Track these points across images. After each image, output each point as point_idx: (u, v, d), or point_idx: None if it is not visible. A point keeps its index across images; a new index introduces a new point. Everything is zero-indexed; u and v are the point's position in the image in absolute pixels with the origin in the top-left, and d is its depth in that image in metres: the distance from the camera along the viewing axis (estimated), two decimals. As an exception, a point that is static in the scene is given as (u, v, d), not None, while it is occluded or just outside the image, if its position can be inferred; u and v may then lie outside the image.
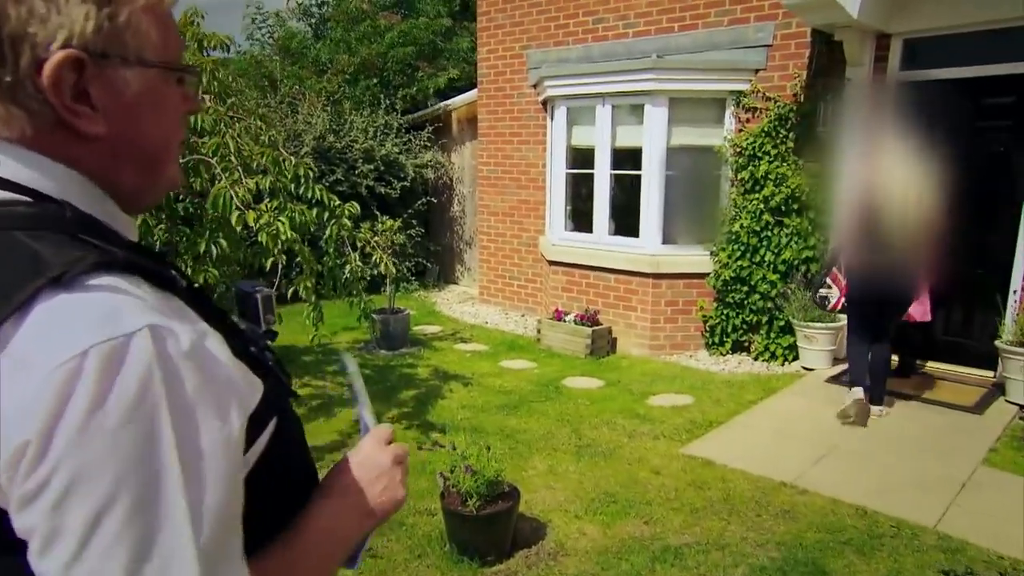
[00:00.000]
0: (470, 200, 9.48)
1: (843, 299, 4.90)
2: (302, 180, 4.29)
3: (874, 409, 4.77)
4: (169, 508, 0.54)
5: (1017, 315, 4.98)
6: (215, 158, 3.53)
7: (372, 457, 0.84)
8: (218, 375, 0.61)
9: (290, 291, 3.89)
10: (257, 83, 9.14)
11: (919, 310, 5.21)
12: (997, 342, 5.08)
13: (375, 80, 10.05)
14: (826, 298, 5.01)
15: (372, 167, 8.57)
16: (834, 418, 4.68)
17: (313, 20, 12.71)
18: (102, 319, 0.55)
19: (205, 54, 4.36)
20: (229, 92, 4.54)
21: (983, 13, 5.07)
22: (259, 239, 3.49)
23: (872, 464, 4.04)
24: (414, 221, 8.95)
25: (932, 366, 5.62)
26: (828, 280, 5.00)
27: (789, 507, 3.56)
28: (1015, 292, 5.14)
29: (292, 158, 4.26)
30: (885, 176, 5.00)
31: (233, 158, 3.58)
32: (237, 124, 4.31)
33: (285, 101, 9.08)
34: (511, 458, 4.05)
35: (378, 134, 8.86)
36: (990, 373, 5.40)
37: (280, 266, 3.58)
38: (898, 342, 5.35)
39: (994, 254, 5.29)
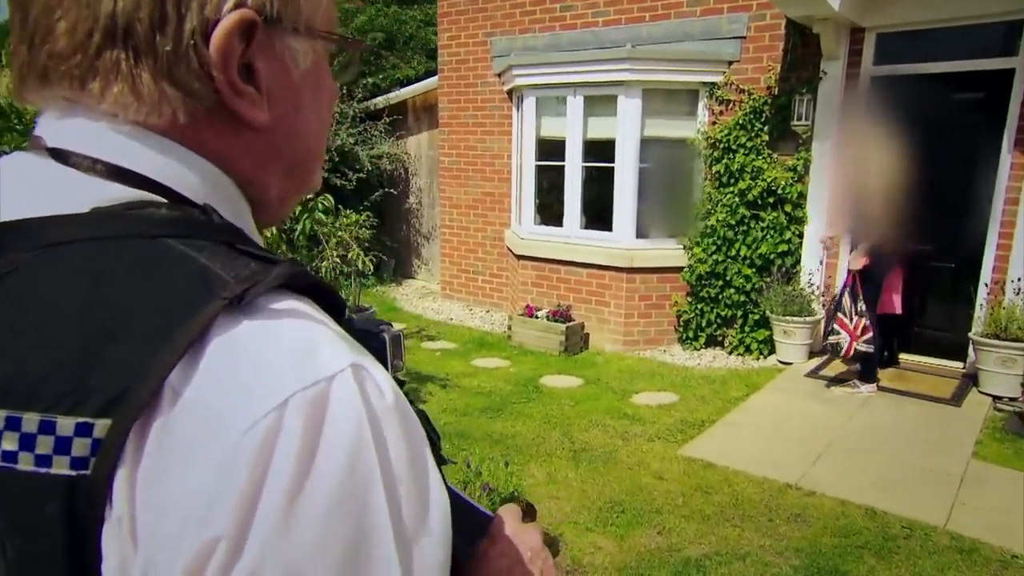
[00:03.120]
0: (427, 192, 9.16)
1: (854, 344, 4.89)
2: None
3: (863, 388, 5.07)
4: None
5: (990, 307, 5.08)
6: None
7: (522, 539, 0.67)
8: (416, 426, 0.46)
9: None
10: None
11: (896, 302, 5.27)
12: (971, 334, 5.17)
13: (334, 66, 9.56)
14: (837, 345, 4.99)
15: (326, 158, 8.12)
16: (824, 414, 4.66)
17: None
18: (298, 356, 0.41)
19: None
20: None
21: (953, 9, 5.13)
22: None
23: (869, 461, 4.01)
24: (369, 214, 8.56)
25: (905, 358, 5.70)
26: (836, 326, 4.99)
27: (799, 510, 3.47)
28: (986, 285, 5.24)
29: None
30: (864, 170, 5.02)
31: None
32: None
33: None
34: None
35: (332, 122, 8.42)
36: (960, 364, 5.51)
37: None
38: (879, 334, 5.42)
39: (967, 247, 5.39)
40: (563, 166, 6.69)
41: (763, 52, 6.03)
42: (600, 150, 6.54)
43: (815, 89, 5.67)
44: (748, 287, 6.00)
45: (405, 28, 10.54)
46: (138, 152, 0.47)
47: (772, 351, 6.01)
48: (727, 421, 4.61)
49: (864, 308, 4.88)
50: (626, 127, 6.29)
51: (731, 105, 6.18)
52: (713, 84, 6.24)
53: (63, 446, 0.39)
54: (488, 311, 7.88)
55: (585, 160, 6.62)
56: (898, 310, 5.33)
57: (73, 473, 0.39)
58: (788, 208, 5.86)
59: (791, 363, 5.79)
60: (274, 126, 0.51)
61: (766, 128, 5.95)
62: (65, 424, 0.39)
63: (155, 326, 0.40)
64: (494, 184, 7.82)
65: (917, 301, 5.50)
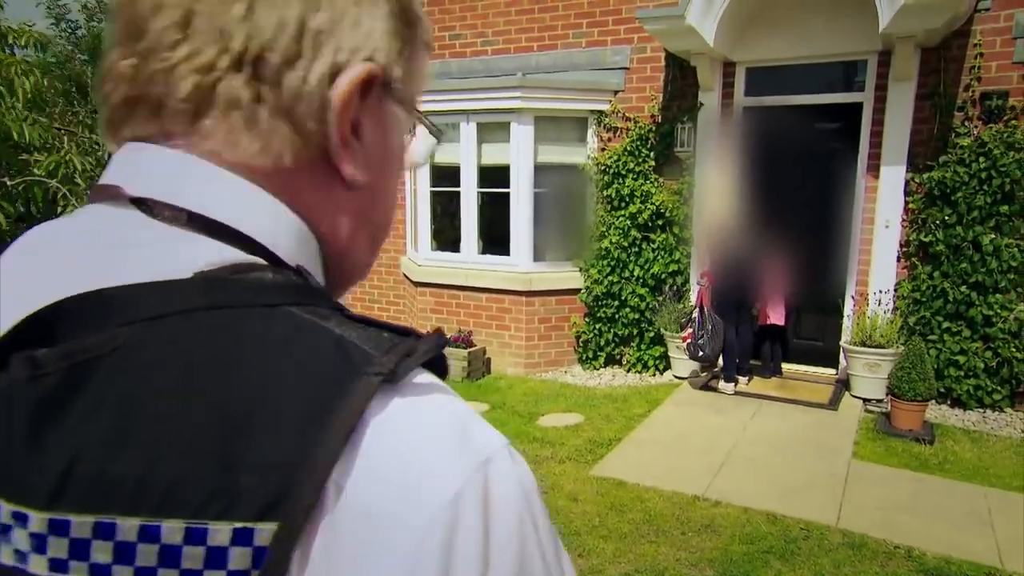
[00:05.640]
0: (318, 219, 8.89)
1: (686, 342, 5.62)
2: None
3: (741, 380, 5.68)
4: None
5: (856, 317, 5.57)
6: (56, 179, 2.87)
7: None
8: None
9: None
10: (63, 88, 7.86)
11: (776, 313, 5.68)
12: (841, 342, 5.64)
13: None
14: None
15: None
16: (722, 425, 4.92)
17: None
18: (457, 440, 0.38)
19: (10, 52, 3.60)
20: (45, 99, 3.80)
21: (806, 48, 5.65)
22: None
23: (765, 468, 4.25)
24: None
25: (786, 367, 6.11)
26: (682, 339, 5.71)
27: (708, 521, 3.61)
28: (852, 297, 5.75)
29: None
30: (734, 194, 5.40)
31: (79, 179, 2.94)
32: (67, 138, 3.60)
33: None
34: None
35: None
36: (833, 371, 5.99)
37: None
38: (759, 346, 5.81)
39: (835, 263, 5.88)
40: (459, 192, 6.71)
41: (646, 82, 6.36)
42: (495, 176, 6.61)
43: (695, 118, 6.04)
44: (642, 306, 6.24)
45: None
46: (238, 205, 0.42)
47: (668, 367, 6.26)
48: (633, 438, 4.75)
49: (699, 317, 5.46)
50: (520, 153, 6.40)
51: (619, 132, 6.46)
52: (601, 112, 6.50)
53: (218, 559, 0.32)
54: (386, 340, 7.70)
55: (481, 186, 6.67)
56: (780, 322, 5.74)
57: None
58: (676, 230, 6.17)
59: (685, 377, 6.06)
60: (366, 187, 0.48)
61: (652, 154, 6.26)
62: (219, 531, 0.32)
63: (306, 412, 0.34)
64: (388, 211, 7.70)
65: (793, 314, 5.94)
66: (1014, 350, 5.04)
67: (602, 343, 6.44)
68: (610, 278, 6.28)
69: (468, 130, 6.57)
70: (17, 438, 0.35)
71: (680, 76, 6.15)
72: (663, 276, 6.21)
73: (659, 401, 5.49)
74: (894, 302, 5.50)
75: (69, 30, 9.97)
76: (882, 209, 5.49)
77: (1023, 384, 5.12)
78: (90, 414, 0.34)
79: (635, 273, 6.23)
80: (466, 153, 6.61)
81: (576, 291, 6.55)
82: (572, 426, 5.04)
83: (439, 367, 0.42)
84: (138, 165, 0.43)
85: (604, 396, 5.75)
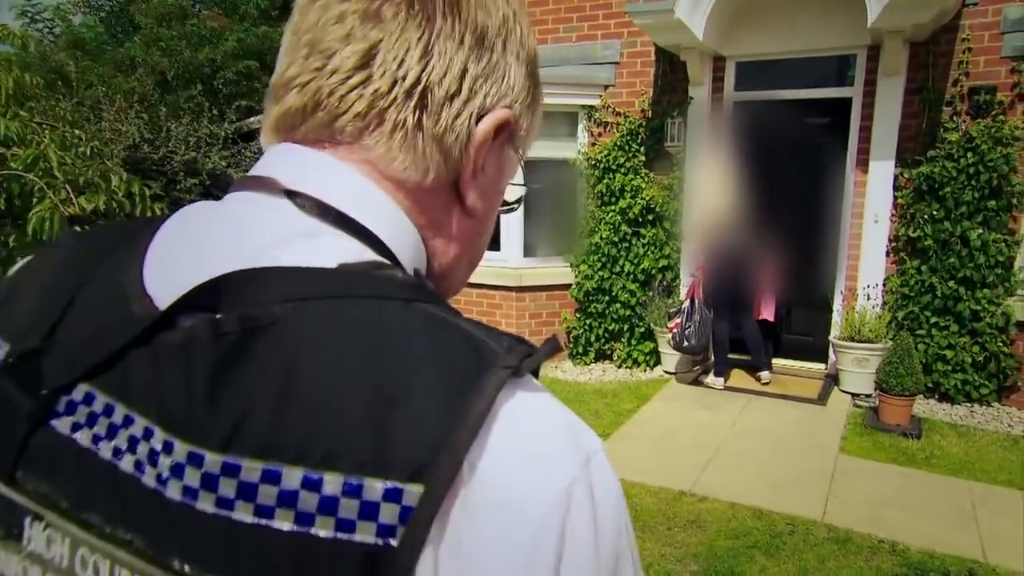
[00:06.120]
0: (309, 215, 8.86)
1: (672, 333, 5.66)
2: (137, 199, 3.67)
3: (762, 376, 5.65)
4: None
5: (845, 312, 5.57)
6: (32, 173, 2.84)
7: None
8: None
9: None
10: (47, 82, 7.80)
11: (767, 309, 5.68)
12: (830, 337, 5.65)
13: (199, 86, 9.03)
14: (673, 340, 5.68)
15: (196, 181, 7.66)
16: (710, 421, 4.92)
17: (103, 14, 11.19)
18: (570, 435, 0.43)
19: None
20: (27, 95, 3.76)
21: (795, 43, 5.64)
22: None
23: (753, 463, 4.26)
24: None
25: (777, 363, 6.12)
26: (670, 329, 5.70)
27: (694, 516, 3.62)
28: (841, 293, 5.75)
29: (124, 173, 3.61)
30: (724, 189, 5.39)
31: (57, 173, 2.91)
32: (48, 132, 3.56)
33: (86, 104, 7.85)
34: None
35: (201, 144, 7.96)
36: (823, 366, 6.00)
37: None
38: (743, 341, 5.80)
39: (824, 258, 5.89)
40: (449, 187, 6.69)
41: (636, 77, 6.34)
42: (485, 171, 6.58)
43: (685, 112, 6.02)
44: (633, 301, 6.24)
45: (277, 46, 10.21)
46: (376, 213, 0.49)
47: (658, 362, 6.26)
48: (621, 434, 4.75)
49: (688, 308, 5.48)
50: (510, 148, 6.38)
51: (609, 127, 6.44)
52: (591, 107, 6.48)
53: (370, 512, 0.36)
54: (377, 336, 7.69)
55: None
56: (771, 317, 5.74)
57: (379, 542, 0.36)
58: (667, 225, 6.16)
59: (675, 373, 6.06)
60: (477, 216, 0.56)
61: (642, 149, 6.24)
62: (373, 487, 0.37)
63: (446, 394, 0.39)
64: (379, 206, 7.69)
65: (784, 309, 5.95)
66: (1001, 345, 5.06)
67: (592, 339, 6.43)
68: (600, 273, 6.27)
69: (458, 125, 6.54)
70: (198, 388, 0.39)
71: (670, 71, 6.14)
72: (653, 271, 6.21)
73: (648, 397, 5.49)
74: (883, 297, 5.51)
75: (46, 28, 9.91)
76: (871, 204, 5.49)
77: (1010, 379, 5.13)
78: (258, 375, 0.39)
79: (625, 268, 6.22)
80: (456, 148, 6.58)
81: (567, 286, 6.54)
82: (561, 422, 5.03)
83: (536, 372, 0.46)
84: (301, 164, 0.50)
85: (594, 392, 5.74)
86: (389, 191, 0.50)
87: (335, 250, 0.46)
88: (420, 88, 0.49)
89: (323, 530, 0.36)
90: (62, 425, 0.43)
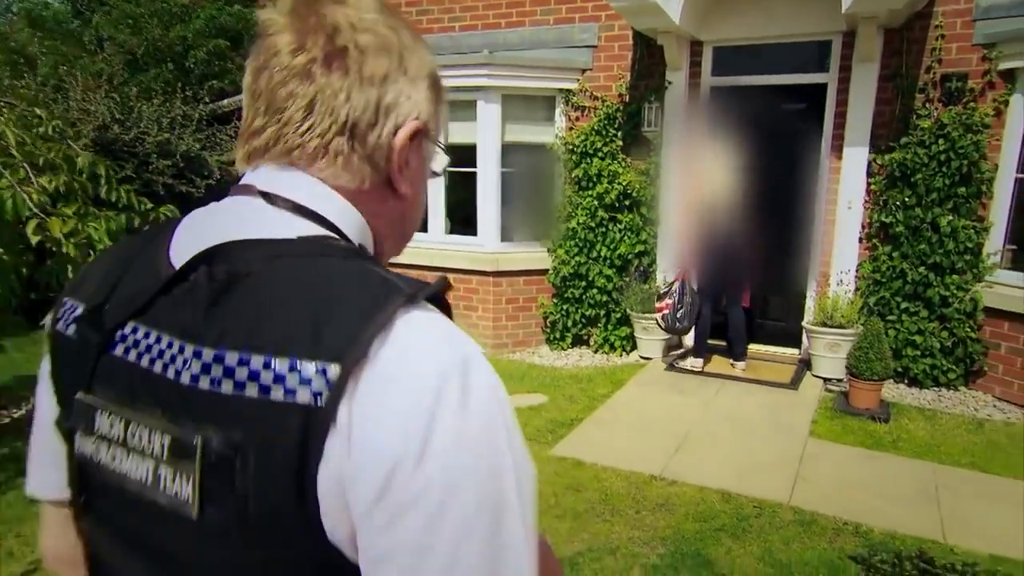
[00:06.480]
0: (285, 198, 8.75)
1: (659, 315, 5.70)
2: (101, 180, 3.60)
3: (738, 365, 5.68)
4: (514, 533, 0.57)
5: (818, 298, 5.62)
6: (-11, 153, 2.78)
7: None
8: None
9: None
10: (8, 60, 7.60)
11: (746, 295, 5.72)
12: (804, 323, 5.70)
13: (170, 66, 8.84)
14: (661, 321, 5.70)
15: (170, 163, 7.53)
16: (683, 405, 4.95)
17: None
18: (447, 339, 0.59)
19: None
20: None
21: (772, 28, 5.63)
22: (63, 250, 2.80)
23: (723, 447, 4.30)
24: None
25: (752, 348, 6.16)
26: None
27: (664, 500, 3.65)
28: (814, 279, 5.80)
29: (87, 153, 3.54)
30: (711, 175, 5.38)
31: (15, 152, 2.84)
32: (6, 111, 3.48)
33: (49, 83, 7.67)
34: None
35: (175, 126, 7.81)
36: (796, 351, 6.06)
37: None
38: (725, 327, 5.82)
39: (800, 244, 5.92)
40: (426, 171, 6.63)
41: (613, 61, 6.31)
42: (463, 155, 6.54)
43: (662, 97, 6.00)
44: (609, 287, 6.24)
45: (253, 28, 10.01)
46: (331, 205, 0.69)
47: (634, 347, 6.29)
48: (595, 418, 4.77)
49: (679, 291, 5.50)
50: (487, 132, 6.34)
51: (586, 111, 6.41)
52: (569, 91, 6.44)
53: (306, 381, 0.55)
54: (354, 321, 7.65)
55: (448, 165, 6.58)
56: (746, 303, 5.78)
57: (312, 402, 0.54)
58: (643, 210, 6.17)
59: (651, 358, 6.09)
60: (408, 199, 0.75)
61: (620, 134, 6.22)
62: (308, 367, 0.55)
63: (362, 310, 0.57)
64: (356, 190, 7.61)
65: (759, 295, 5.98)
66: (969, 330, 5.13)
67: (569, 324, 6.44)
68: (577, 258, 6.27)
69: (435, 108, 6.47)
70: (199, 312, 0.60)
71: (648, 55, 6.11)
72: (630, 257, 6.21)
73: (623, 382, 5.52)
74: (855, 283, 5.56)
75: (4, 6, 9.67)
76: (845, 190, 5.53)
77: (977, 363, 5.21)
78: (236, 302, 0.60)
79: (602, 254, 6.22)
80: (433, 132, 6.51)
81: (544, 271, 6.53)
82: (535, 407, 5.05)
83: (447, 311, 0.64)
84: (266, 176, 0.69)
85: (569, 377, 5.76)
86: (337, 192, 0.69)
87: (295, 228, 0.65)
88: (349, 124, 0.68)
89: (276, 394, 0.55)
90: (118, 350, 0.65)
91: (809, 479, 3.88)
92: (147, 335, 0.63)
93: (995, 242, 5.14)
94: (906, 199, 5.18)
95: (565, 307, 6.43)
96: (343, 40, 0.67)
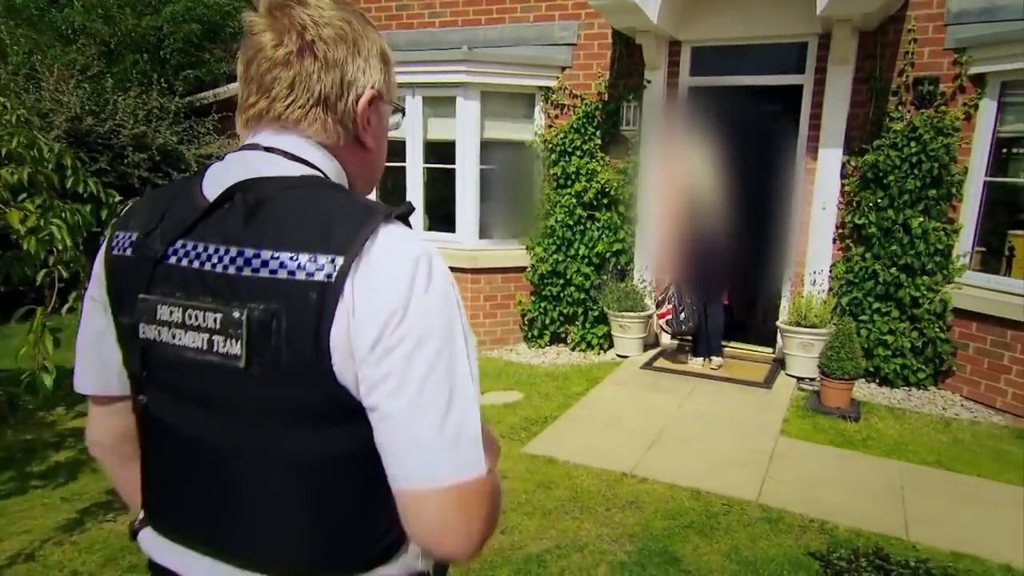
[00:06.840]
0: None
1: (658, 322, 5.70)
2: (68, 171, 3.53)
3: (714, 360, 5.76)
4: (462, 367, 0.82)
5: (793, 298, 5.67)
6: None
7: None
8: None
9: (65, 308, 3.13)
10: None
11: (725, 294, 5.76)
12: (778, 322, 5.75)
13: (144, 56, 8.72)
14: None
15: (145, 156, 7.44)
16: (657, 403, 4.98)
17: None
18: (415, 241, 0.83)
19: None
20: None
21: (749, 29, 5.67)
22: (24, 246, 2.75)
23: (695, 445, 4.32)
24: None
25: (728, 347, 6.20)
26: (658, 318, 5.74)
27: (634, 497, 3.66)
28: (789, 279, 5.85)
29: (54, 144, 3.47)
30: (685, 175, 5.41)
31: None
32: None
33: (20, 73, 7.54)
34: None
35: (152, 119, 7.71)
36: (770, 350, 6.11)
37: (56, 282, 2.86)
38: (700, 326, 5.84)
39: (775, 244, 5.97)
40: (404, 167, 6.61)
41: (593, 59, 6.31)
42: (442, 151, 6.52)
43: (641, 96, 6.02)
44: (587, 285, 6.26)
45: (232, 20, 9.89)
46: (316, 156, 0.92)
47: (611, 345, 6.31)
48: (569, 416, 4.78)
49: (677, 295, 5.50)
50: (465, 129, 6.32)
51: (565, 109, 6.41)
52: (548, 88, 6.44)
53: (321, 266, 0.78)
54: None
55: (426, 161, 6.58)
56: (724, 302, 5.81)
57: (326, 279, 0.78)
58: (621, 209, 6.18)
59: (628, 356, 6.11)
60: (374, 151, 1.00)
61: (598, 132, 6.24)
62: (321, 258, 0.78)
63: (354, 223, 0.80)
64: (334, 185, 7.56)
65: (736, 294, 6.02)
66: (938, 331, 5.20)
67: (547, 321, 6.45)
68: (555, 256, 6.27)
69: (414, 104, 6.46)
70: (238, 223, 0.83)
71: (627, 54, 6.12)
72: (607, 255, 6.23)
73: (599, 379, 5.53)
74: (828, 283, 5.61)
75: None
76: (819, 191, 5.58)
77: (946, 363, 5.29)
78: (264, 218, 0.83)
79: (580, 252, 6.24)
80: (412, 127, 6.49)
81: (522, 269, 6.54)
82: (510, 404, 5.05)
83: (406, 221, 0.88)
84: (269, 137, 0.92)
85: (546, 374, 5.76)
86: (320, 146, 0.93)
87: (297, 171, 0.89)
88: (322, 97, 0.91)
89: (300, 276, 0.78)
90: (172, 260, 0.86)
91: (778, 477, 3.92)
92: (195, 247, 0.85)
93: (964, 244, 5.21)
94: (879, 200, 5.24)
95: (543, 305, 6.44)
96: (310, 35, 0.89)
